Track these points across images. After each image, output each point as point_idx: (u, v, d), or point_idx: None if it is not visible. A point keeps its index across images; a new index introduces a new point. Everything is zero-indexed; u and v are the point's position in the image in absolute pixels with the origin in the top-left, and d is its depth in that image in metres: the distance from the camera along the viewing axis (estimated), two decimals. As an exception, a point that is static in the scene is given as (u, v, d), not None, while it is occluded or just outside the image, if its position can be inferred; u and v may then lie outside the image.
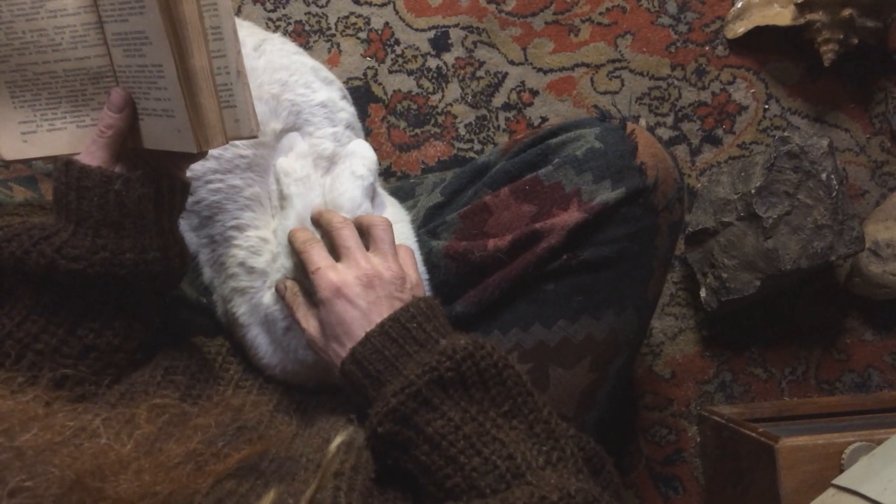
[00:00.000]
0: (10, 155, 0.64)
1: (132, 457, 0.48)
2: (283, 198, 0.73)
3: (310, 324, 0.68)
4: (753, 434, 0.91)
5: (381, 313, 0.64)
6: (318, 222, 0.72)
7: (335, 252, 0.69)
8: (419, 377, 0.58)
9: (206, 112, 0.58)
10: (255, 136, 0.62)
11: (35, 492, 0.42)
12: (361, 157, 0.76)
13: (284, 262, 0.72)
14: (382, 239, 0.69)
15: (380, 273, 0.66)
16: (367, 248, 0.70)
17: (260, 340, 0.74)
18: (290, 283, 0.71)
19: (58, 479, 0.43)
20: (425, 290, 0.77)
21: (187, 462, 0.51)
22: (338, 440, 0.61)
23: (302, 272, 0.70)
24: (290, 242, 0.71)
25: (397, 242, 0.76)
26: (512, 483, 0.55)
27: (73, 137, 0.64)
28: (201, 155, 0.65)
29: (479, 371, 0.59)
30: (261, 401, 0.71)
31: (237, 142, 0.73)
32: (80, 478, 0.44)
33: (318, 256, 0.68)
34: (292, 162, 0.74)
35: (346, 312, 0.65)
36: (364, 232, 0.71)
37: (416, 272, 0.70)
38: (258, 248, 0.74)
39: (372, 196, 0.77)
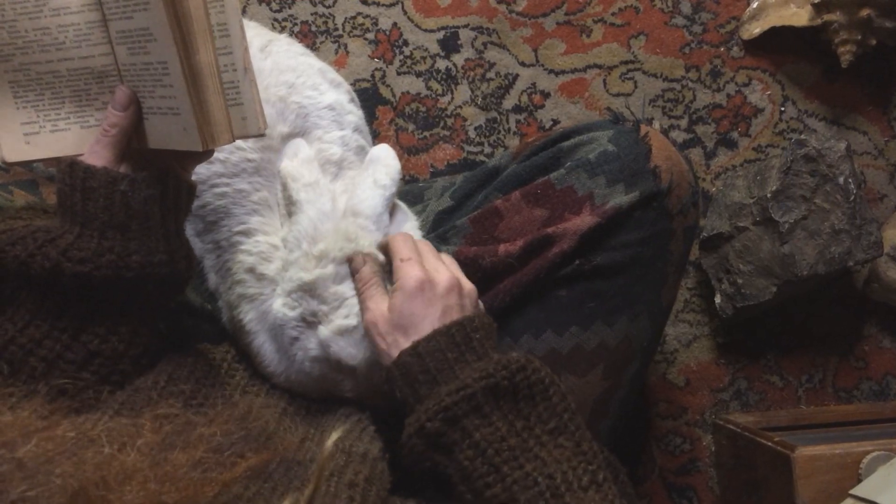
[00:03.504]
0: (12, 156, 0.64)
1: (137, 467, 0.48)
2: (291, 203, 0.72)
3: (378, 306, 0.67)
4: (769, 443, 0.91)
5: (451, 319, 0.65)
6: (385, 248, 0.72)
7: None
8: (476, 381, 0.60)
9: (212, 109, 0.58)
10: (262, 135, 0.62)
11: (37, 502, 0.41)
12: (385, 164, 0.75)
13: (295, 275, 0.71)
14: (450, 259, 0.71)
15: (462, 284, 0.68)
16: None
17: (266, 348, 0.73)
18: (370, 260, 0.70)
19: (60, 489, 0.43)
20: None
21: (193, 470, 0.50)
22: (333, 437, 0.61)
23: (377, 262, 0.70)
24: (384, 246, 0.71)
25: None
26: (550, 502, 0.56)
27: (77, 138, 0.64)
28: (208, 154, 0.65)
29: (530, 385, 0.61)
30: (268, 404, 0.70)
31: (244, 145, 0.73)
32: (83, 487, 0.43)
33: (410, 249, 0.68)
34: (298, 167, 0.73)
35: (424, 308, 0.65)
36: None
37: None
38: (268, 254, 0.73)
39: (391, 206, 0.76)
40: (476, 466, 0.58)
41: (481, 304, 0.70)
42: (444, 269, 0.68)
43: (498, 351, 0.64)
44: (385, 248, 0.71)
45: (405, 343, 0.64)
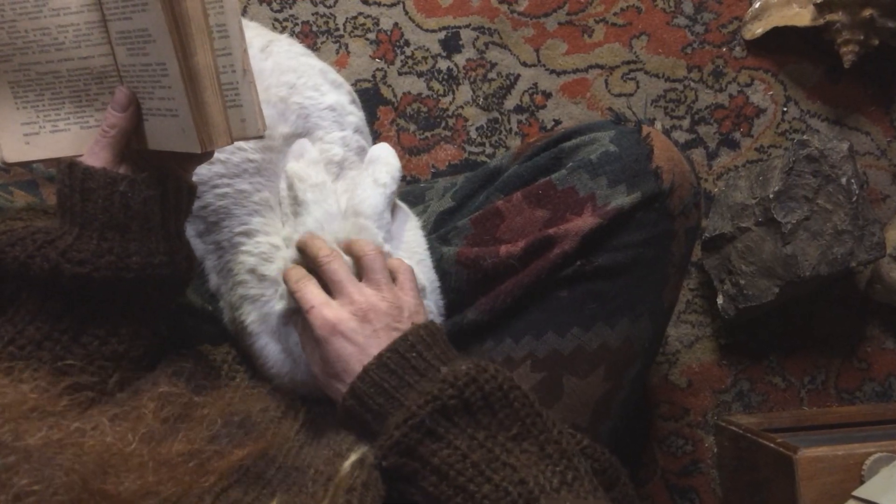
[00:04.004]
0: (11, 157, 0.64)
1: (136, 454, 0.48)
2: (297, 203, 0.72)
3: (314, 360, 0.67)
4: (772, 444, 0.91)
5: (379, 346, 0.63)
6: (304, 252, 0.70)
7: (327, 287, 0.68)
8: (421, 407, 0.58)
9: (210, 111, 0.57)
10: (261, 137, 0.62)
11: (41, 496, 0.41)
12: (385, 163, 0.75)
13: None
14: (374, 268, 0.68)
15: (374, 305, 0.65)
16: (360, 278, 0.68)
17: (270, 350, 0.73)
18: (301, 318, 0.69)
19: (64, 486, 0.42)
20: (437, 296, 0.76)
21: (190, 460, 0.50)
22: (352, 458, 0.60)
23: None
24: (285, 282, 0.70)
25: (406, 252, 0.75)
26: None
27: (77, 139, 0.63)
28: (207, 156, 0.64)
29: (485, 395, 0.58)
30: (269, 406, 0.70)
31: (245, 146, 0.73)
32: (85, 481, 0.43)
33: (312, 294, 0.66)
34: (305, 167, 0.72)
35: (344, 349, 0.64)
36: (354, 259, 0.69)
37: (414, 297, 0.68)
38: (270, 255, 0.72)
39: (392, 205, 0.75)
40: (442, 490, 0.56)
41: (415, 310, 0.67)
42: (356, 295, 0.65)
43: (448, 357, 0.62)
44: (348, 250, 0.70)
45: (343, 388, 0.63)
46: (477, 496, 0.55)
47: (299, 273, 0.69)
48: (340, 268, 0.68)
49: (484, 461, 0.56)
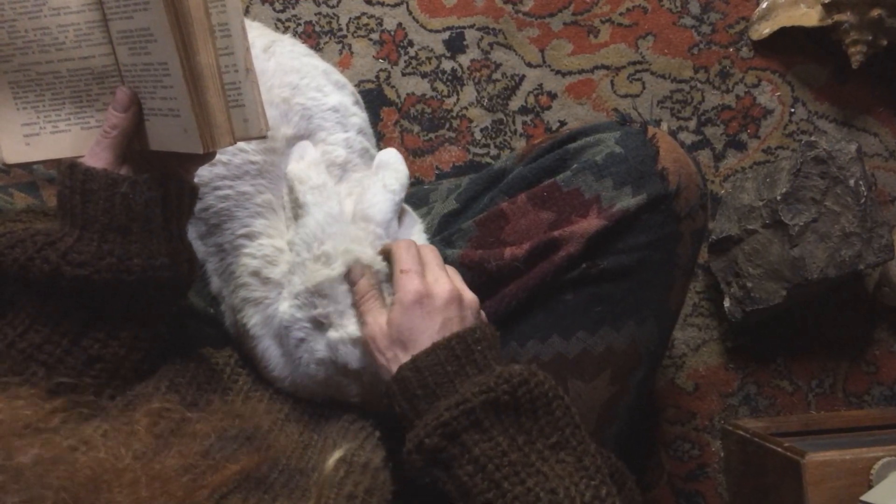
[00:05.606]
0: (11, 158, 0.64)
1: (129, 469, 0.48)
2: (298, 206, 0.71)
3: (376, 320, 0.66)
4: (779, 449, 0.91)
5: (451, 332, 0.64)
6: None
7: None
8: (475, 395, 0.59)
9: (212, 111, 0.57)
10: (263, 137, 0.61)
11: None
12: (395, 169, 0.74)
13: (303, 278, 0.70)
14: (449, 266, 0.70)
15: (463, 294, 0.66)
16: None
17: (271, 352, 0.72)
18: (368, 272, 0.69)
19: (54, 502, 0.42)
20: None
21: (183, 474, 0.50)
22: (336, 455, 0.61)
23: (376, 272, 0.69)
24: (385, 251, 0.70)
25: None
26: None
27: (78, 139, 0.63)
28: (209, 156, 0.64)
29: (532, 399, 0.59)
30: (271, 410, 0.70)
31: (247, 147, 0.72)
32: (77, 498, 0.42)
33: (412, 259, 0.67)
34: (306, 169, 0.72)
35: (423, 322, 0.64)
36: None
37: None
38: (274, 257, 0.72)
39: (399, 212, 0.75)
40: (476, 482, 0.57)
41: (483, 315, 0.69)
42: (445, 280, 0.66)
43: (502, 362, 0.63)
44: (387, 254, 0.70)
45: (404, 358, 0.63)
46: (509, 495, 0.56)
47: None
48: (432, 251, 0.69)
49: (520, 463, 0.57)
